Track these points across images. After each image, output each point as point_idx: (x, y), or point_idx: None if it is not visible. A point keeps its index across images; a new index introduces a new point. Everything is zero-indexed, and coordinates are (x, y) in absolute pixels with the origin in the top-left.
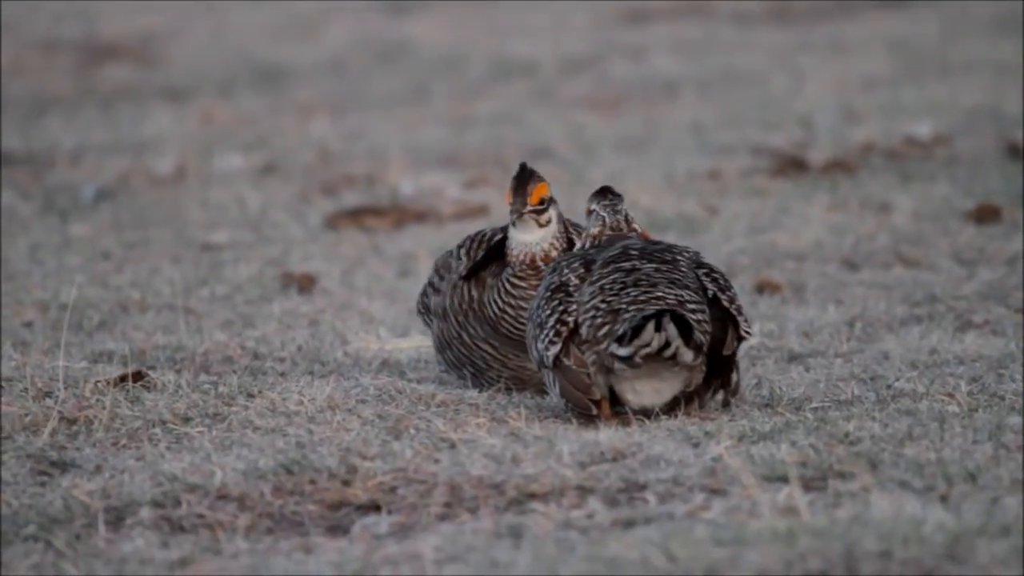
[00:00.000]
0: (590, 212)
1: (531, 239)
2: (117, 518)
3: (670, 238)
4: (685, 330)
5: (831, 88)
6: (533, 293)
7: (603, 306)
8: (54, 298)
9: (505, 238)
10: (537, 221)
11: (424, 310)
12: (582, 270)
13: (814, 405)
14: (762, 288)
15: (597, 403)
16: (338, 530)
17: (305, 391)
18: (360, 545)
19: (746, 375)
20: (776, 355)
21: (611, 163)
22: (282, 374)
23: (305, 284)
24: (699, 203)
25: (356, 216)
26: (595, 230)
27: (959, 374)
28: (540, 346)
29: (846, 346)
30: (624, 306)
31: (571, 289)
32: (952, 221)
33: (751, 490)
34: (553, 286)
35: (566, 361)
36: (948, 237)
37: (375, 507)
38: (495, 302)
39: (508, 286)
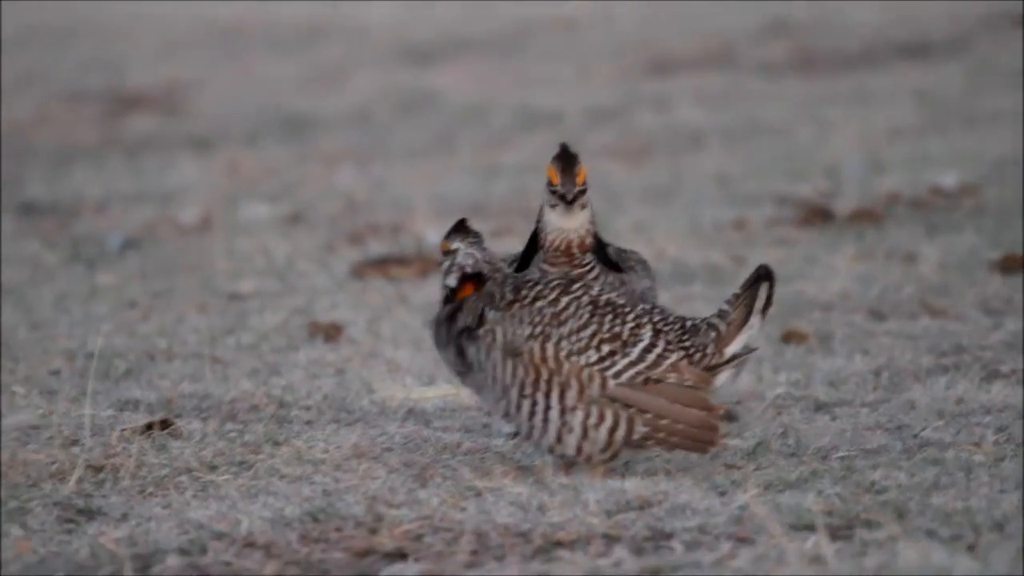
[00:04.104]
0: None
1: (570, 224)
2: (144, 566)
3: (696, 288)
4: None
5: (857, 138)
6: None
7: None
8: (81, 347)
9: (537, 231)
10: (580, 202)
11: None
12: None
13: (841, 454)
14: (788, 338)
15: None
16: None
17: (331, 439)
18: None
19: (772, 424)
20: (802, 404)
21: (636, 213)
22: (308, 422)
23: (331, 333)
24: (725, 253)
25: (382, 265)
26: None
27: (985, 424)
28: (641, 356)
29: (872, 395)
30: (689, 321)
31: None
32: (978, 271)
33: (778, 539)
34: (626, 297)
35: (671, 377)
36: (974, 287)
37: (402, 555)
38: None
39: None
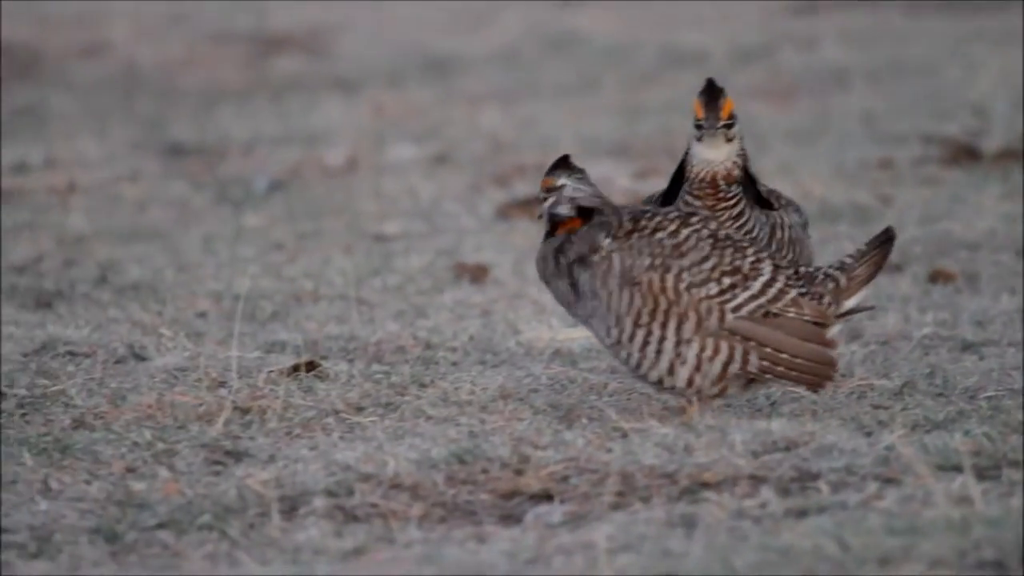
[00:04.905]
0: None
1: (716, 157)
2: (291, 507)
3: (842, 228)
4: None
5: (1003, 77)
6: (707, 213)
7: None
8: (227, 289)
9: (684, 163)
10: (725, 136)
11: None
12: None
13: (988, 394)
14: (936, 277)
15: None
16: (511, 519)
17: (477, 381)
18: (533, 534)
19: (919, 364)
20: (950, 344)
21: (782, 153)
22: (454, 364)
23: (477, 274)
24: (871, 192)
25: (528, 206)
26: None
27: None
28: (762, 290)
29: (1020, 335)
30: (803, 268)
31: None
32: None
33: (925, 479)
34: (735, 235)
35: (791, 312)
36: None
37: (547, 496)
38: None
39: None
